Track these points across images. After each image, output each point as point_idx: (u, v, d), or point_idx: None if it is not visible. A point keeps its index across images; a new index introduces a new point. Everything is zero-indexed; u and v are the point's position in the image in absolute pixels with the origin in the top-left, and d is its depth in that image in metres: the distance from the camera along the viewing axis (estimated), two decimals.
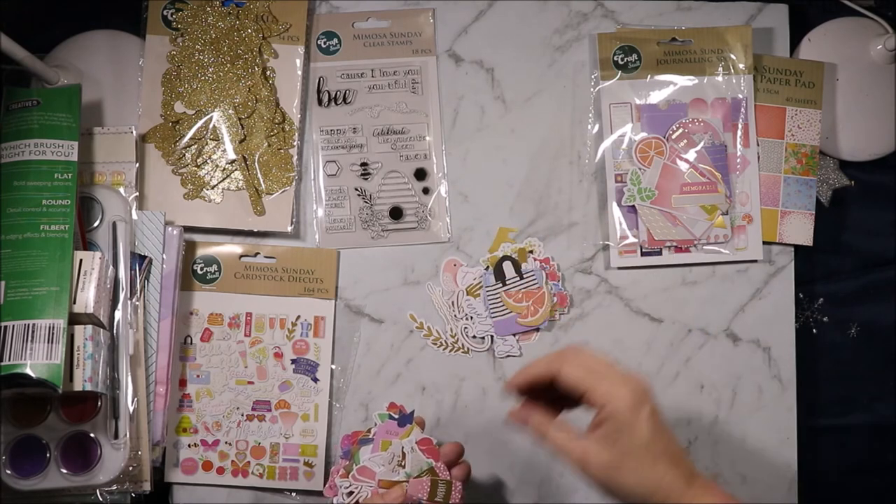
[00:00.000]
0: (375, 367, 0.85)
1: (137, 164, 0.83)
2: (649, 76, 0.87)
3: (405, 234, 0.86)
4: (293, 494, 0.84)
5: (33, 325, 0.70)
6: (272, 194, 0.85)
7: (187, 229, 0.84)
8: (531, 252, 0.86)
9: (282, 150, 0.85)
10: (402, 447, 0.72)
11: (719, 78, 0.87)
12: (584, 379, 0.63)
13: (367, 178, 0.87)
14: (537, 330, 0.85)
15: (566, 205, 0.87)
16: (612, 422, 0.62)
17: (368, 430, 0.74)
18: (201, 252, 0.85)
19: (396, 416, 0.73)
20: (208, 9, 0.86)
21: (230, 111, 0.85)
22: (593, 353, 0.65)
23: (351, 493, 0.72)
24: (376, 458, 0.72)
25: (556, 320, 0.86)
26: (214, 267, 0.85)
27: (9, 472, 0.73)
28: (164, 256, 0.81)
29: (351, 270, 0.86)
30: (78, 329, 0.72)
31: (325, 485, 0.81)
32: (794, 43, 0.90)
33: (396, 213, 0.86)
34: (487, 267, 0.86)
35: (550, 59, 0.89)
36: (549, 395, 0.67)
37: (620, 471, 0.62)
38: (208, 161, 0.85)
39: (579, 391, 0.63)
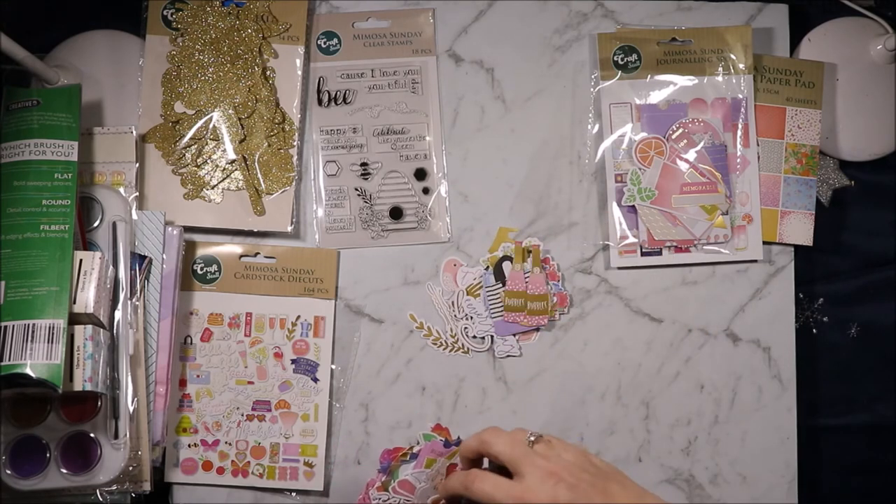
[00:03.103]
0: (375, 367, 0.85)
1: (137, 164, 0.83)
2: (649, 76, 0.87)
3: (405, 234, 0.86)
4: (293, 494, 0.84)
5: (33, 325, 0.70)
6: (272, 194, 0.85)
7: (187, 229, 0.84)
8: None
9: (282, 150, 0.85)
10: (447, 466, 0.72)
11: (719, 78, 0.87)
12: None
13: (367, 178, 0.87)
14: (537, 330, 0.85)
15: (566, 205, 0.87)
16: None
17: (410, 448, 0.73)
18: (201, 252, 0.85)
19: (442, 439, 0.73)
20: (208, 9, 0.86)
21: (230, 111, 0.85)
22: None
23: None
24: (419, 474, 0.72)
25: (556, 320, 0.86)
26: (214, 267, 0.85)
27: (9, 472, 0.73)
28: (164, 256, 0.81)
29: (351, 270, 0.86)
30: (78, 329, 0.72)
31: (358, 497, 0.80)
32: (794, 43, 0.90)
33: (396, 213, 0.86)
34: (487, 267, 0.86)
35: (550, 59, 0.89)
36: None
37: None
38: (208, 161, 0.85)
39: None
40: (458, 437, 0.74)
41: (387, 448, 0.79)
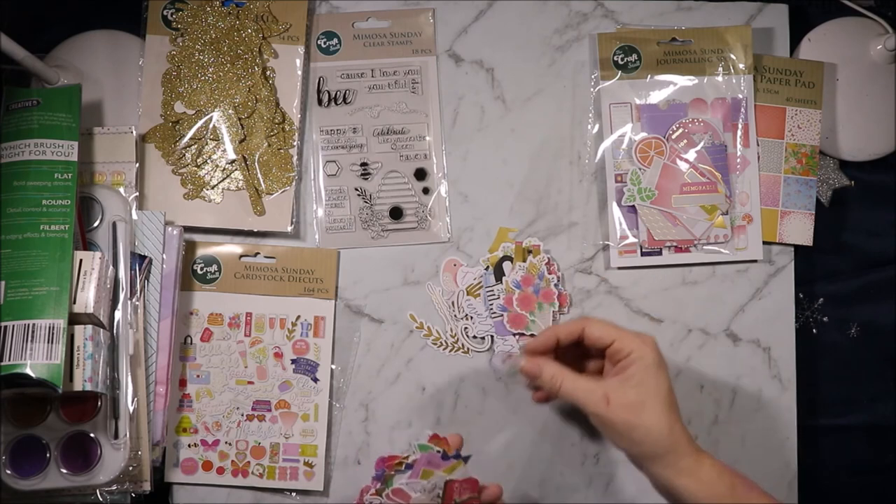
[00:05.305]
0: (375, 367, 0.85)
1: (137, 164, 0.83)
2: (649, 76, 0.87)
3: (405, 234, 0.86)
4: (293, 494, 0.84)
5: (33, 325, 0.70)
6: (272, 194, 0.85)
7: (187, 229, 0.84)
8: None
9: (282, 150, 0.85)
10: (446, 481, 0.70)
11: (719, 78, 0.87)
12: (612, 332, 0.72)
13: (367, 178, 0.87)
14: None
15: (566, 205, 0.87)
16: (639, 366, 0.70)
17: (406, 457, 0.71)
18: (201, 252, 0.85)
19: (440, 450, 0.71)
20: (208, 9, 0.86)
21: (230, 111, 0.85)
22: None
23: None
24: (414, 485, 0.70)
25: (557, 320, 0.86)
26: (214, 267, 0.85)
27: (9, 472, 0.73)
28: (164, 256, 0.81)
29: (351, 270, 0.86)
30: (78, 329, 0.72)
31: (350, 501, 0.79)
32: (794, 43, 0.90)
33: (396, 213, 0.86)
34: (487, 267, 0.86)
35: (550, 59, 0.89)
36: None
37: (642, 410, 0.69)
38: (208, 161, 0.85)
39: (606, 342, 0.72)
40: (458, 451, 0.72)
41: (381, 455, 0.78)
